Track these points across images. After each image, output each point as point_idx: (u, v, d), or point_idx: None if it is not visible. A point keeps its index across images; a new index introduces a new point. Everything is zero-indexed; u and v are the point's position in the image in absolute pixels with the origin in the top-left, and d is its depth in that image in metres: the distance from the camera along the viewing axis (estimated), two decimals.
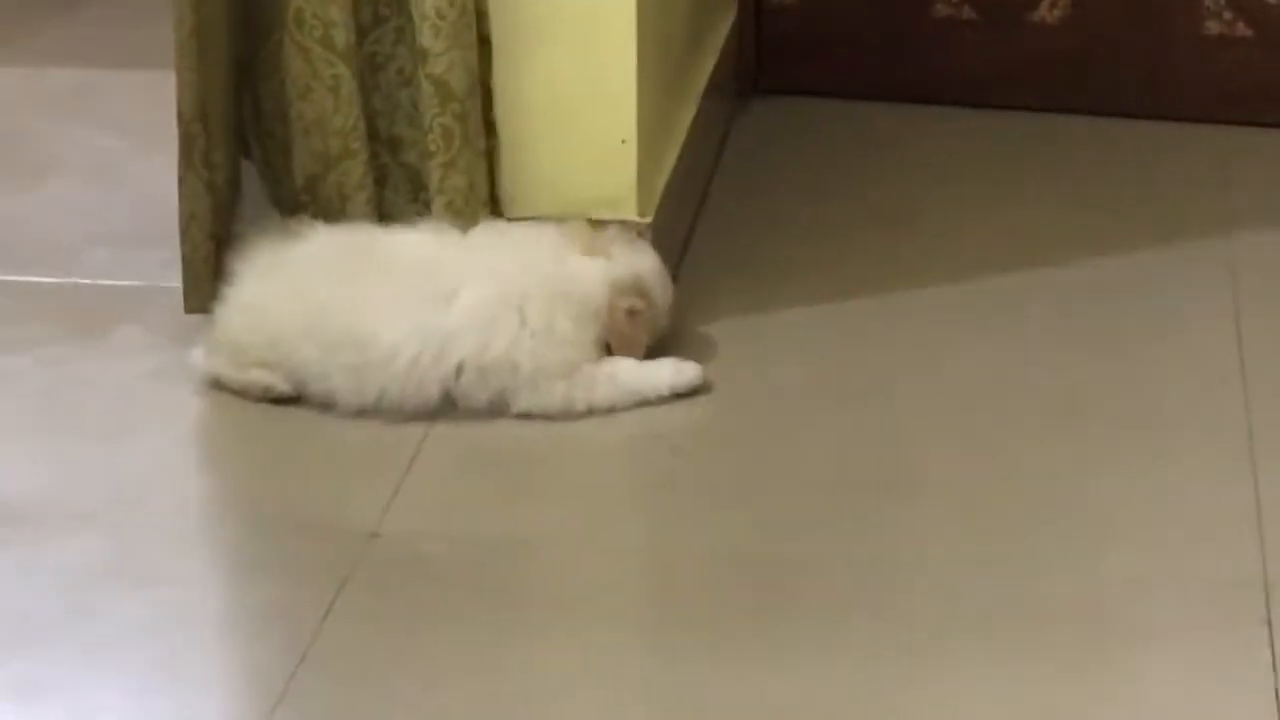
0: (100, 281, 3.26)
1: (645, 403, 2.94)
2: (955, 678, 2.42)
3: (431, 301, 2.89)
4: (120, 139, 3.68)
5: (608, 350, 2.94)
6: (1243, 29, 3.74)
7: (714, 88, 3.56)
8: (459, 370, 2.88)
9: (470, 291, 2.89)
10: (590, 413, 2.92)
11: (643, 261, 2.99)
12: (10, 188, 3.58)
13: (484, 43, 3.01)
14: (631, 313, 2.94)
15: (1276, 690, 2.38)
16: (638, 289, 2.96)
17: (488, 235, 2.97)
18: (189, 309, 3.01)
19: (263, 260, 2.96)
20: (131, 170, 3.53)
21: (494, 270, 2.90)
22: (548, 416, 2.91)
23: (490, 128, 3.04)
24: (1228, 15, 3.74)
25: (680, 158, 3.30)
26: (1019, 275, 3.30)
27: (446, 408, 2.90)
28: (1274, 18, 3.72)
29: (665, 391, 2.95)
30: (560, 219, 3.02)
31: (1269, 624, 2.49)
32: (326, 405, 2.91)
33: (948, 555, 2.64)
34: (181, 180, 2.97)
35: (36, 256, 3.33)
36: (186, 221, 2.98)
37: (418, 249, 2.94)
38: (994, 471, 2.81)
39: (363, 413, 2.90)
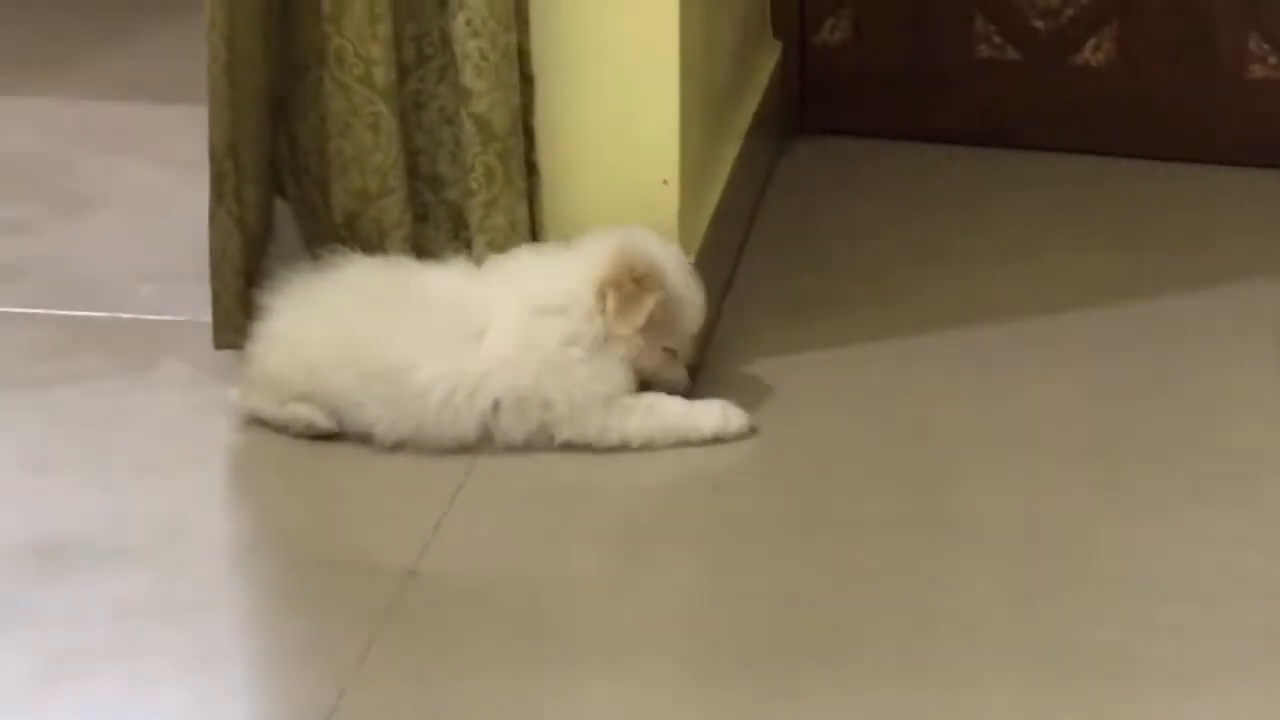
0: (145, 316, 3.28)
1: (683, 444, 2.93)
2: None
3: (462, 340, 2.89)
4: (166, 173, 3.70)
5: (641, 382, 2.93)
6: None
7: (757, 127, 3.57)
8: (495, 407, 2.89)
9: (495, 330, 2.90)
10: (627, 445, 2.91)
11: (668, 257, 2.95)
12: (59, 221, 3.60)
13: (526, 81, 3.02)
14: (639, 278, 2.89)
15: None
16: (646, 257, 2.92)
17: (512, 268, 2.96)
18: (219, 345, 3.04)
19: (297, 293, 2.96)
20: (177, 205, 3.54)
21: (514, 308, 2.90)
22: (588, 447, 2.91)
23: (532, 167, 3.05)
24: (1273, 60, 3.74)
25: (723, 197, 3.31)
26: (1061, 317, 3.30)
27: (487, 441, 2.90)
28: None
29: (709, 435, 2.94)
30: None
31: None
32: (366, 439, 2.92)
33: (989, 600, 2.63)
34: (212, 216, 2.99)
35: (83, 291, 3.36)
36: (217, 258, 3.00)
37: (450, 285, 2.95)
38: (1036, 515, 2.81)
39: (403, 447, 2.90)
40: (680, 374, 2.98)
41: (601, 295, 2.89)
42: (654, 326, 2.91)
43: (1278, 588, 2.65)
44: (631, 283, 2.89)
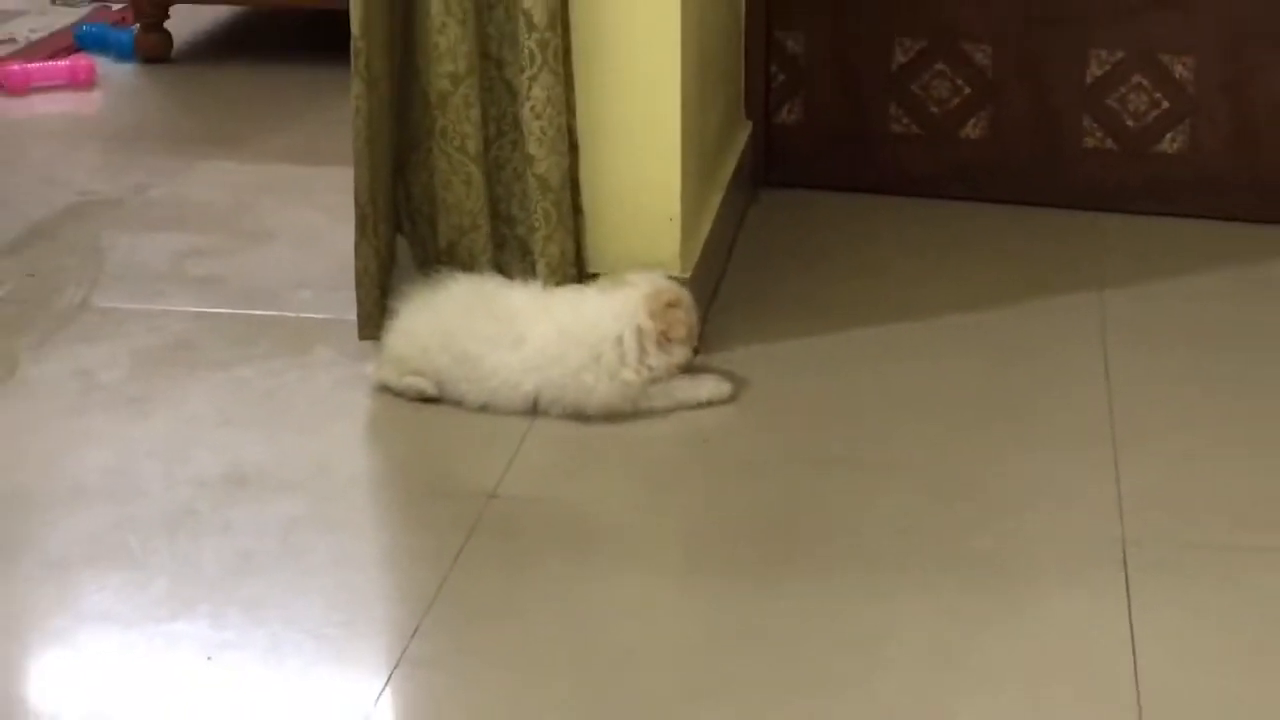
0: (303, 315, 3.25)
1: (684, 408, 2.90)
2: (903, 606, 2.40)
3: (510, 342, 2.86)
4: (321, 215, 3.67)
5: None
6: (1110, 144, 3.71)
7: (735, 180, 3.54)
8: (537, 394, 2.85)
9: (533, 339, 2.85)
10: (645, 413, 2.87)
11: (673, 287, 2.92)
12: (243, 247, 3.58)
13: (573, 150, 2.99)
14: (670, 304, 2.87)
15: (1130, 614, 2.36)
16: (668, 294, 2.89)
17: (564, 295, 2.92)
18: (363, 337, 3.01)
19: (416, 301, 2.94)
20: (328, 236, 3.52)
21: (554, 323, 2.85)
22: (612, 418, 2.86)
23: (578, 210, 3.02)
24: (1099, 134, 3.71)
25: (711, 231, 3.28)
26: (956, 318, 3.25)
27: (538, 412, 2.87)
28: (1132, 135, 3.69)
29: (704, 401, 2.91)
30: (620, 276, 2.96)
31: (1124, 566, 2.46)
32: (458, 403, 2.89)
33: (908, 516, 2.61)
34: (357, 246, 2.97)
35: (259, 296, 3.33)
36: (360, 275, 2.98)
37: (513, 300, 2.90)
38: (941, 456, 2.78)
39: (484, 409, 2.87)
40: (682, 358, 2.91)
41: (651, 316, 2.85)
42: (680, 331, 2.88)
43: (1096, 505, 2.62)
44: (669, 309, 2.87)
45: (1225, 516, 2.60)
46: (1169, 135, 3.67)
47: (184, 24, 4.87)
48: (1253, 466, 2.73)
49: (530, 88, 2.90)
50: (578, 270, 3.01)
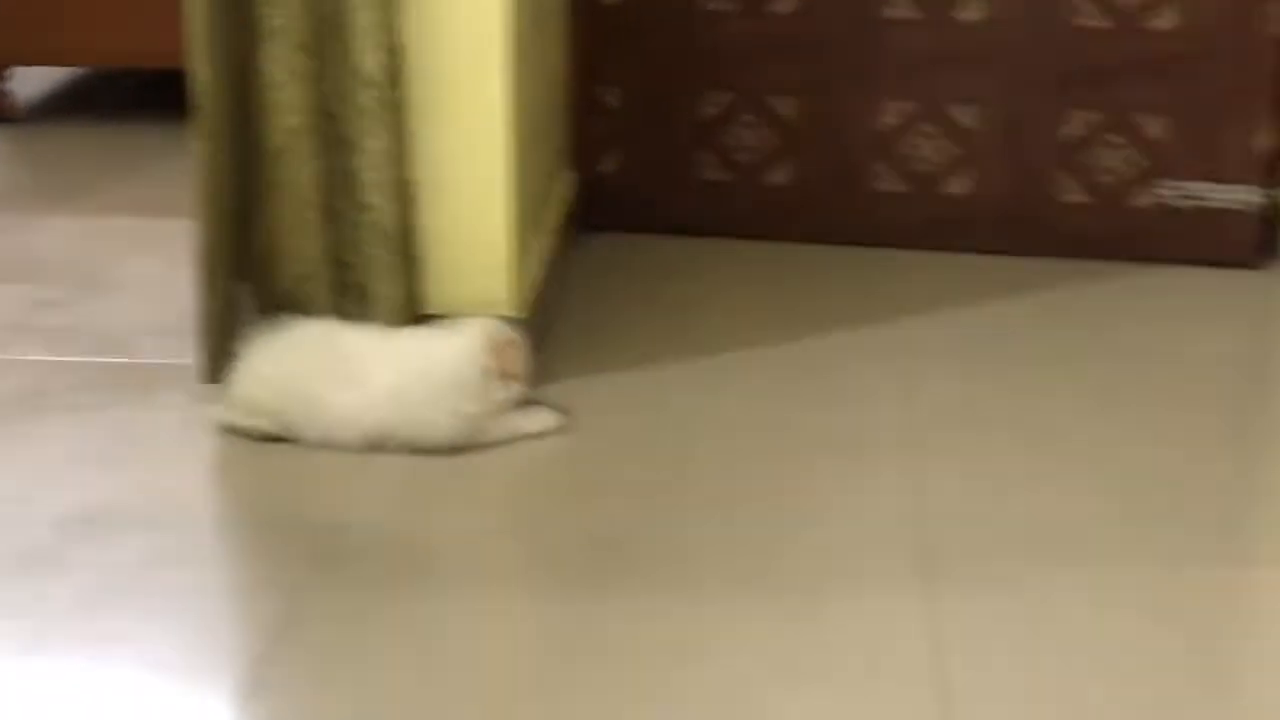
0: (148, 360, 3.21)
1: (519, 438, 2.92)
2: (722, 617, 2.44)
3: (351, 383, 2.85)
4: (165, 264, 3.62)
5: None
6: (903, 186, 3.81)
7: (560, 227, 3.57)
8: (378, 431, 2.84)
9: (374, 378, 2.85)
10: (481, 446, 2.88)
11: (507, 328, 2.95)
12: (87, 298, 3.53)
13: (408, 199, 3.00)
14: (507, 344, 2.90)
15: (932, 617, 2.42)
16: (505, 334, 2.91)
17: (402, 337, 2.92)
18: (204, 381, 2.99)
19: (258, 345, 2.92)
20: (171, 285, 3.47)
21: (394, 363, 2.85)
22: (449, 451, 2.86)
23: (413, 256, 3.02)
24: (892, 176, 3.81)
25: (540, 274, 3.31)
26: (764, 347, 3.31)
27: (377, 448, 2.86)
28: (922, 178, 3.79)
29: (536, 432, 2.93)
30: (455, 319, 2.98)
31: (926, 574, 2.53)
32: (300, 441, 2.87)
33: (721, 535, 2.66)
34: (200, 293, 2.95)
35: (105, 345, 3.29)
36: (203, 321, 2.96)
37: (352, 343, 2.90)
38: (750, 477, 2.83)
39: (325, 446, 2.86)
40: (517, 394, 2.94)
41: (492, 355, 2.86)
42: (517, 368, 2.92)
43: (897, 519, 2.67)
44: (510, 349, 2.89)
45: (1022, 528, 2.67)
46: (956, 177, 3.78)
47: (26, 84, 4.79)
48: (1049, 483, 2.81)
49: (366, 141, 2.90)
50: (414, 313, 3.02)
